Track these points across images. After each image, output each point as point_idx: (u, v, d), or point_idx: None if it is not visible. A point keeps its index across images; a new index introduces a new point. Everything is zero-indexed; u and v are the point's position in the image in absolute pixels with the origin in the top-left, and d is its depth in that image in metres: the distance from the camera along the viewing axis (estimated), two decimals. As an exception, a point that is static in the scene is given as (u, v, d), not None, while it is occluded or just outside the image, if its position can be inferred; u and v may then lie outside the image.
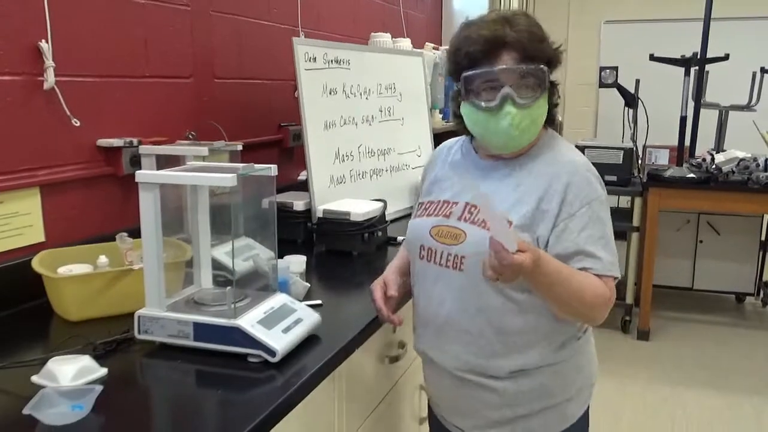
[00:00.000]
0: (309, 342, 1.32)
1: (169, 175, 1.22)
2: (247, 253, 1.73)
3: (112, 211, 1.76)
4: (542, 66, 1.25)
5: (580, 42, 6.09)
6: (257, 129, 2.43)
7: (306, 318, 1.32)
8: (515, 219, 1.28)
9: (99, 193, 1.72)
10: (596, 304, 1.25)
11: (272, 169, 1.33)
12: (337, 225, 1.97)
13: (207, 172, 1.26)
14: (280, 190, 2.30)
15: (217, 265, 1.68)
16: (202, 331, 1.23)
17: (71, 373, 1.11)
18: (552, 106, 1.33)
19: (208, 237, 1.39)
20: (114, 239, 1.60)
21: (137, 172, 1.23)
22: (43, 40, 1.52)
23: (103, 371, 1.16)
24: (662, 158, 4.40)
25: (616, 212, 4.21)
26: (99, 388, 1.06)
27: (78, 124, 1.62)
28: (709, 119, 4.42)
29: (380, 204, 2.04)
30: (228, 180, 1.19)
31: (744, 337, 4.03)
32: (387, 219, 2.08)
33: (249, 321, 1.22)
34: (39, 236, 1.57)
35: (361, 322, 1.43)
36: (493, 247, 1.10)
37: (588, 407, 1.45)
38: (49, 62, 1.53)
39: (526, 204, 1.29)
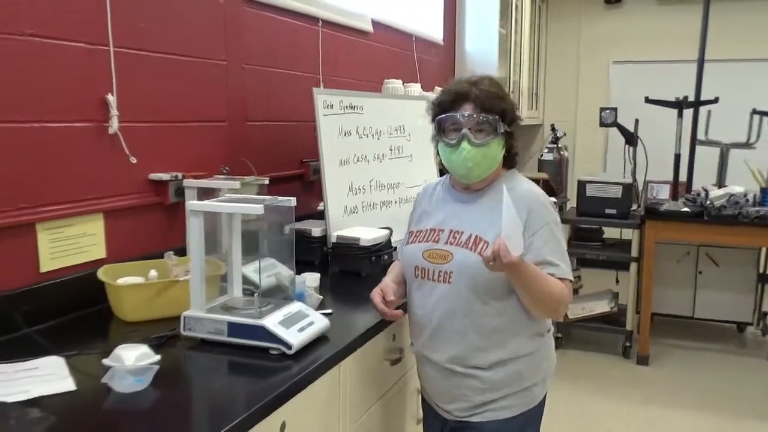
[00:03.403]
0: (320, 341, 1.62)
1: (211, 204, 1.55)
2: (270, 271, 2.05)
3: (159, 233, 2.09)
4: (496, 116, 1.61)
5: (590, 81, 6.41)
6: (282, 164, 2.77)
7: (317, 322, 1.63)
8: (491, 237, 1.62)
9: (149, 218, 2.06)
10: (561, 300, 1.61)
11: (292, 201, 1.66)
12: (348, 249, 2.29)
13: (240, 202, 1.58)
14: (300, 218, 2.63)
15: (246, 280, 2.00)
16: (234, 329, 1.54)
17: (133, 356, 1.42)
18: (512, 152, 1.69)
19: (239, 256, 1.71)
20: (161, 257, 1.93)
21: (188, 202, 1.56)
22: (110, 94, 1.87)
23: (158, 357, 1.47)
24: (663, 193, 4.66)
25: (619, 244, 4.49)
26: (156, 367, 1.38)
27: (135, 161, 1.96)
28: (713, 156, 4.68)
29: (386, 231, 2.36)
30: (257, 209, 1.52)
31: (741, 365, 4.23)
32: (392, 244, 2.39)
33: (271, 321, 1.53)
34: (101, 253, 1.90)
35: (363, 327, 1.74)
36: (500, 245, 1.44)
37: (546, 392, 1.78)
38: (114, 111, 1.88)
39: (497, 225, 1.61)
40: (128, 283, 1.74)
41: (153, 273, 1.85)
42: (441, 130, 1.67)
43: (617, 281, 4.73)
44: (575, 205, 4.43)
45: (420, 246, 1.73)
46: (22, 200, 1.66)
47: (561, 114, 6.47)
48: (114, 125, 1.89)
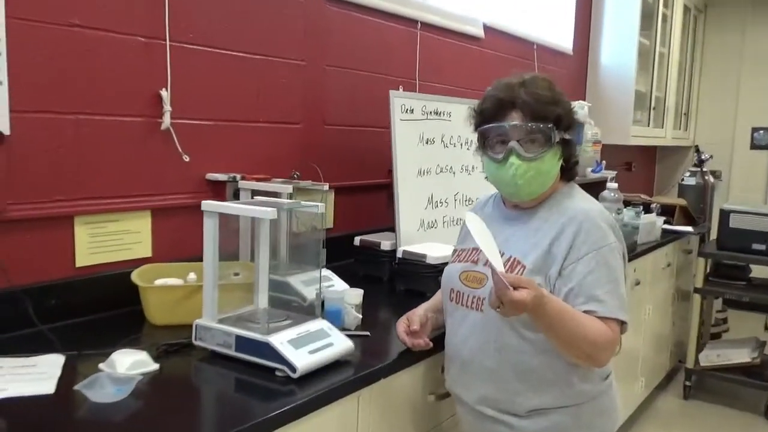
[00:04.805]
0: (340, 366, 1.44)
1: (223, 205, 1.43)
2: (322, 283, 1.90)
3: (212, 236, 2.02)
4: (549, 124, 1.33)
5: (753, 100, 5.69)
6: (367, 172, 2.62)
7: (338, 344, 1.45)
8: (529, 262, 1.38)
9: (201, 219, 1.98)
10: (600, 345, 1.31)
11: (319, 207, 1.49)
12: (415, 266, 2.08)
13: (261, 206, 1.44)
14: (382, 230, 2.46)
15: (293, 291, 1.87)
16: (241, 343, 1.40)
17: (127, 363, 1.33)
18: (572, 162, 1.41)
19: (266, 264, 1.57)
20: (209, 260, 1.84)
21: (203, 201, 1.44)
22: (164, 89, 1.82)
23: (155, 366, 1.36)
24: (832, 229, 3.98)
25: (768, 284, 3.89)
26: (139, 377, 1.27)
27: (188, 159, 1.90)
28: None
29: (458, 249, 2.12)
30: (270, 213, 1.37)
31: None
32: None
33: (279, 339, 1.37)
34: (147, 252, 1.85)
35: (395, 355, 1.53)
36: (495, 283, 1.18)
37: None
38: (167, 107, 1.83)
39: (540, 248, 1.39)
40: (152, 285, 1.66)
41: (191, 276, 1.76)
42: (485, 143, 1.44)
43: (767, 327, 4.10)
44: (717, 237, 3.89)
45: (458, 266, 1.52)
46: (59, 192, 1.64)
47: (716, 136, 5.79)
48: (166, 121, 1.83)
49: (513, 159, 1.38)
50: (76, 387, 1.21)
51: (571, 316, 1.29)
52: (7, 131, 1.51)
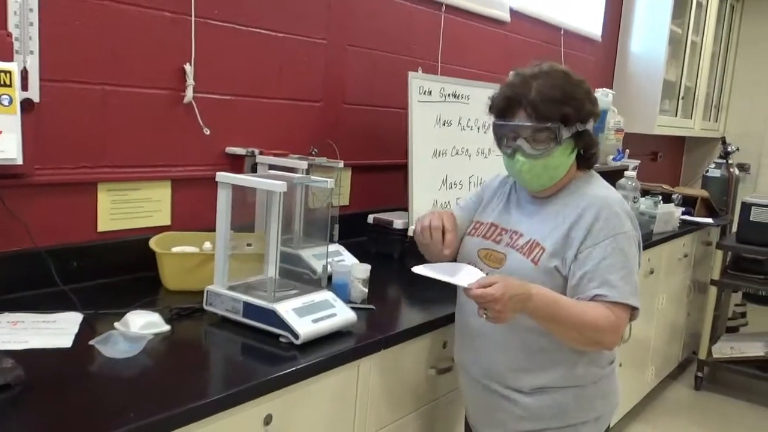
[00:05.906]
0: (342, 336, 1.50)
1: (236, 177, 1.50)
2: (333, 258, 1.97)
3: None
4: (556, 124, 1.39)
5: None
6: (385, 152, 2.67)
7: (341, 314, 1.51)
8: (549, 245, 1.44)
9: (220, 191, 2.06)
10: (604, 329, 1.35)
11: (329, 183, 1.55)
12: (424, 245, 2.13)
13: (271, 179, 1.50)
14: (398, 209, 2.51)
15: (305, 265, 1.94)
16: (248, 309, 1.47)
17: (140, 323, 1.40)
18: (589, 152, 1.48)
19: (276, 235, 1.63)
20: (226, 230, 1.91)
21: (218, 173, 1.51)
22: (188, 64, 1.89)
23: (166, 328, 1.44)
24: None
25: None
26: (150, 336, 1.35)
27: (208, 132, 1.97)
28: None
29: (468, 231, 2.17)
30: (280, 186, 1.43)
31: None
32: (476, 246, 2.20)
33: (284, 307, 1.43)
34: (166, 220, 1.93)
35: (397, 328, 1.59)
36: (465, 292, 1.28)
37: None
38: (190, 81, 1.89)
39: (559, 231, 1.44)
40: (171, 252, 1.74)
41: (207, 245, 1.83)
42: (498, 137, 1.50)
43: (785, 323, 4.08)
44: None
45: (477, 241, 1.58)
46: (84, 159, 1.71)
47: (747, 128, 5.68)
48: (189, 95, 1.90)
49: (519, 156, 1.44)
50: (91, 342, 1.30)
51: (567, 304, 1.35)
52: (36, 99, 1.59)
